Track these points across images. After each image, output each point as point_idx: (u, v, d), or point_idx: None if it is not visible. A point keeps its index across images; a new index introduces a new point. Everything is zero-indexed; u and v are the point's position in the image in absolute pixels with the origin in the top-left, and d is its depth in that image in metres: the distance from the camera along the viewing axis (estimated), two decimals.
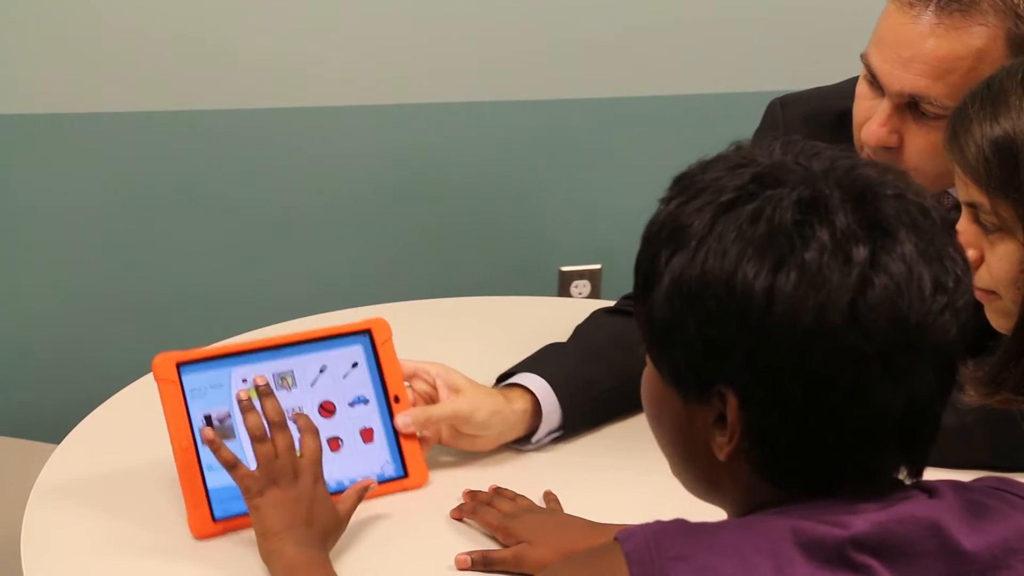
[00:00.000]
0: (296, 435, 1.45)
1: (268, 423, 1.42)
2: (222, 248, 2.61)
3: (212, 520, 1.49)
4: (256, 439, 1.41)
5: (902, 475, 1.01)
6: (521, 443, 1.66)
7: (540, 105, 2.68)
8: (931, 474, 1.56)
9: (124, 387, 1.78)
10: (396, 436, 1.59)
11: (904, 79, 1.55)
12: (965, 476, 1.56)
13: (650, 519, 0.96)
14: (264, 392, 1.44)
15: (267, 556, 1.39)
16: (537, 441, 1.66)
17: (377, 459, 1.58)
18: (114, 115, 2.48)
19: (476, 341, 1.74)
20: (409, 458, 1.59)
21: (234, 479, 1.41)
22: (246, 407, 1.43)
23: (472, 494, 1.55)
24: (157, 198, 2.55)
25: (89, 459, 1.62)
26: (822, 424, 0.94)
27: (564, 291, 2.81)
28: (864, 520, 0.94)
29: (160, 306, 2.59)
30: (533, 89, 2.66)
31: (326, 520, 1.42)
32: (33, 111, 2.44)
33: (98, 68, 2.43)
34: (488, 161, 2.69)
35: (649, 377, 1.03)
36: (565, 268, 2.81)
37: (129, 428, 1.68)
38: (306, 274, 2.65)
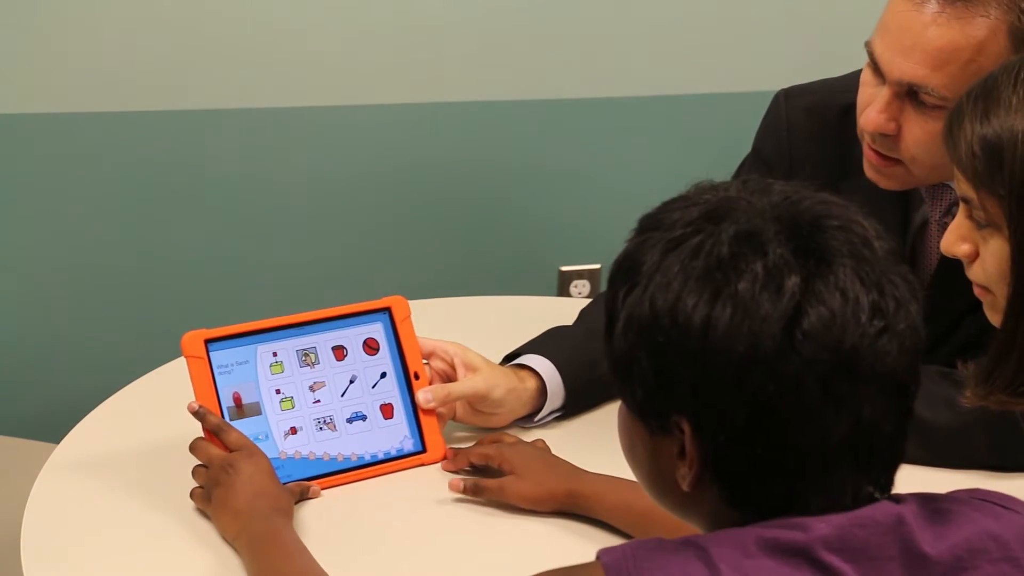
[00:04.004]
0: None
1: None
2: (221, 248, 2.61)
3: None
4: (195, 471, 1.52)
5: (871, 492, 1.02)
6: (525, 421, 1.71)
7: (540, 105, 2.68)
8: (930, 474, 1.57)
9: (124, 387, 1.79)
10: (415, 412, 1.64)
11: (904, 67, 1.56)
12: (964, 476, 1.58)
13: None
14: (198, 417, 1.54)
15: (234, 542, 1.45)
16: (540, 419, 1.72)
17: (397, 434, 1.64)
18: (114, 115, 2.48)
19: (476, 341, 1.74)
20: (428, 433, 1.64)
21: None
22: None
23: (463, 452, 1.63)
24: (157, 198, 2.55)
25: (89, 459, 1.62)
26: (769, 449, 0.97)
27: (564, 291, 2.81)
28: (826, 524, 0.96)
29: (160, 306, 2.59)
30: (533, 89, 2.66)
31: (272, 498, 1.47)
32: (33, 111, 2.44)
33: (98, 68, 2.44)
34: (488, 161, 2.69)
35: (620, 411, 1.07)
36: (565, 268, 2.82)
37: (129, 427, 1.69)
38: (305, 275, 2.65)
